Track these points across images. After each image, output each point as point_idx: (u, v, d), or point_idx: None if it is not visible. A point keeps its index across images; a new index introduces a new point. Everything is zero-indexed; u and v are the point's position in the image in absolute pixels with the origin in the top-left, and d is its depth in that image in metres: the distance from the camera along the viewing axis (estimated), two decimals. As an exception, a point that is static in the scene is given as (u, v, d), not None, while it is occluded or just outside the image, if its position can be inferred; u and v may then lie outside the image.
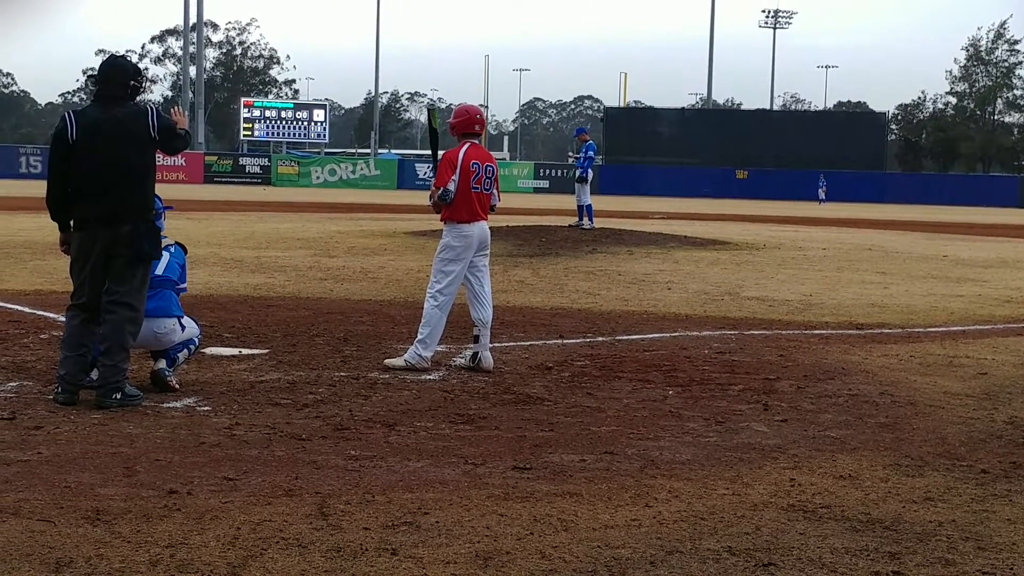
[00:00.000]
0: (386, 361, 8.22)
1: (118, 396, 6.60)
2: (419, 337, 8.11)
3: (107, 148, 6.69)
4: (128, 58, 7.72)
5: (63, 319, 7.27)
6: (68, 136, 6.74)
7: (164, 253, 7.21)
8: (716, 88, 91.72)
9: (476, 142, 8.45)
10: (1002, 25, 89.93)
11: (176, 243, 7.49)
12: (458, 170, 8.17)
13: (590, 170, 23.14)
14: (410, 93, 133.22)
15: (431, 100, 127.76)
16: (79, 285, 6.84)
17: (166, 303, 7.13)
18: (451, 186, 8.14)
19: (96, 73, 7.01)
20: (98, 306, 6.74)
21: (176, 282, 7.32)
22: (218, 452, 5.63)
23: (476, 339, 8.21)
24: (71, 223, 6.87)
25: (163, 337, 7.08)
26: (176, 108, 7.58)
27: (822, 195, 56.79)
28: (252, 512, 4.62)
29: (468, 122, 8.44)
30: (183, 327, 7.22)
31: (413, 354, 8.08)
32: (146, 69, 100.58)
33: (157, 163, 7.05)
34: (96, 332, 6.78)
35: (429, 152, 8.67)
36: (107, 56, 7.50)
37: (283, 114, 76.38)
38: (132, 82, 6.91)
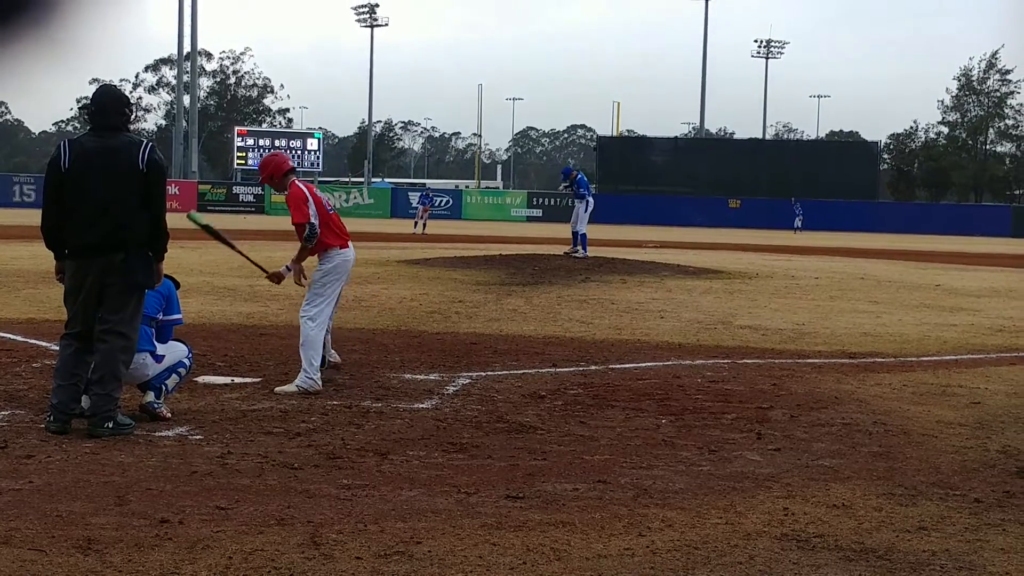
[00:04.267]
0: (276, 389, 8.22)
1: (110, 425, 6.58)
2: (306, 362, 8.19)
3: (98, 177, 6.67)
4: (118, 87, 7.69)
5: (56, 347, 7.25)
6: (60, 164, 6.74)
7: None
8: (709, 118, 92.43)
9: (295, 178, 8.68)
10: (994, 55, 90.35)
11: (164, 276, 7.24)
12: (311, 202, 8.39)
13: (590, 199, 23.30)
14: (404, 122, 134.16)
15: (425, 127, 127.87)
16: (73, 314, 6.82)
17: None
18: (314, 220, 8.37)
19: (89, 102, 6.99)
20: (92, 335, 6.73)
21: (153, 317, 7.20)
22: (210, 481, 5.61)
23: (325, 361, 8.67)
24: (65, 251, 6.87)
25: (135, 372, 7.01)
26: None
27: (798, 223, 56.54)
28: (244, 541, 4.60)
29: (281, 162, 8.77)
30: (157, 359, 7.17)
31: (304, 379, 8.17)
32: (140, 98, 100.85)
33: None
34: (90, 361, 6.76)
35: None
36: (100, 85, 7.49)
37: (276, 143, 76.42)
38: (126, 110, 6.93)
